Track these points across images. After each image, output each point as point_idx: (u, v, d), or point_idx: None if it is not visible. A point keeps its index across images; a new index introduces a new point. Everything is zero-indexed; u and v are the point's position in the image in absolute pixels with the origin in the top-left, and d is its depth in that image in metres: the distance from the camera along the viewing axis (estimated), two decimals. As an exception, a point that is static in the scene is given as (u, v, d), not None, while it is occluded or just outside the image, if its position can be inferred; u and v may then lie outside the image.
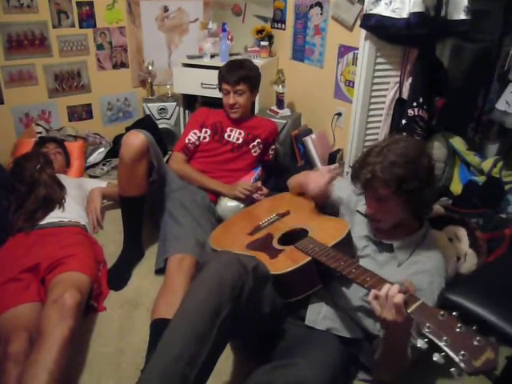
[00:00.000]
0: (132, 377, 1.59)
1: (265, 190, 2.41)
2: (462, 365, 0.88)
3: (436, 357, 0.93)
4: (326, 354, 1.34)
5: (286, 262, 1.47)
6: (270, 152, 2.69)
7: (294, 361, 1.28)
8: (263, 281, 1.40)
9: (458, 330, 0.95)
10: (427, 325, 0.98)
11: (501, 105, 2.45)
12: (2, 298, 1.70)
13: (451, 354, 0.91)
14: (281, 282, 1.45)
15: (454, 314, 1.00)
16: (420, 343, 0.98)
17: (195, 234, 2.11)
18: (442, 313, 0.99)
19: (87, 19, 3.21)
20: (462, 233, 2.01)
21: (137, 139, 2.01)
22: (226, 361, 1.69)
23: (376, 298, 1.15)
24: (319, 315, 1.50)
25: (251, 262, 1.37)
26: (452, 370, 0.90)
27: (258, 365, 1.37)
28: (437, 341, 0.94)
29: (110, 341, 1.79)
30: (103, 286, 2.03)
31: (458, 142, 2.67)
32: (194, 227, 2.15)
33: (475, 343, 0.91)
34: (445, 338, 0.93)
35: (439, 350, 0.94)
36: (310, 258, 1.42)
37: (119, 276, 2.12)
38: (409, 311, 1.06)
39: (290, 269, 1.42)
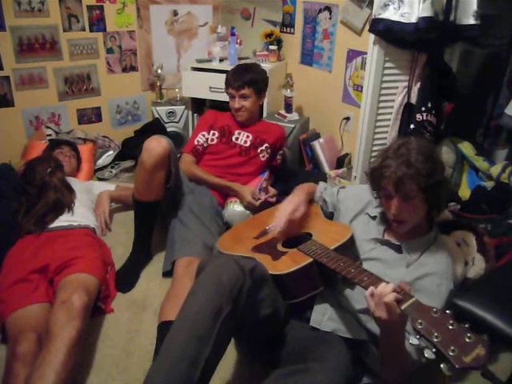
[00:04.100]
0: (139, 379, 1.59)
1: (272, 191, 2.43)
2: (452, 360, 0.90)
3: (427, 353, 0.95)
4: (339, 358, 1.35)
5: (288, 263, 1.49)
6: (278, 157, 2.69)
7: (308, 366, 1.29)
8: (262, 281, 1.41)
9: (450, 326, 0.96)
10: (419, 321, 0.99)
11: (510, 110, 2.43)
12: (10, 298, 1.71)
13: (442, 349, 0.92)
14: (283, 282, 1.47)
15: (447, 311, 1.01)
16: (412, 340, 1.00)
17: (203, 237, 2.12)
18: (434, 310, 1.01)
19: (97, 23, 3.24)
20: (470, 237, 2.00)
21: (159, 146, 2.00)
22: (230, 362, 1.70)
23: (372, 295, 1.17)
24: (324, 316, 1.50)
25: (248, 264, 1.38)
26: (442, 365, 0.92)
27: (263, 366, 1.37)
28: (428, 336, 0.95)
29: (118, 343, 1.80)
30: (111, 288, 2.04)
31: (466, 147, 2.66)
32: (201, 230, 2.16)
33: (466, 340, 0.92)
34: (436, 334, 0.95)
35: (432, 347, 0.95)
36: (311, 260, 1.44)
37: (127, 278, 2.13)
38: (402, 308, 1.07)
39: (291, 269, 1.44)
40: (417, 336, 0.99)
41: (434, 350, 0.94)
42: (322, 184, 1.96)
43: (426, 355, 0.95)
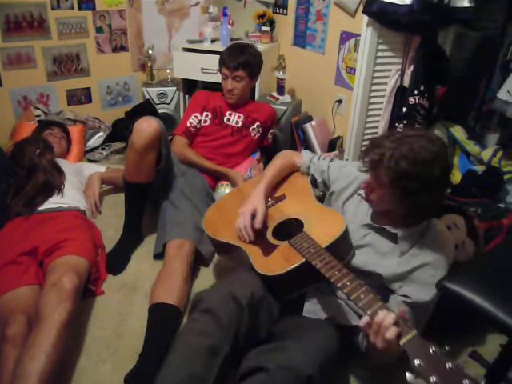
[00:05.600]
0: (129, 361, 1.59)
1: (261, 165, 2.46)
2: None
3: (409, 378, 0.94)
4: (320, 337, 1.35)
5: (280, 263, 1.44)
6: (269, 136, 2.69)
7: (285, 343, 1.29)
8: (258, 308, 1.40)
9: (447, 366, 0.94)
10: (418, 362, 0.96)
11: (502, 94, 2.43)
12: (0, 281, 1.70)
13: None
14: (275, 281, 1.44)
15: (445, 347, 0.98)
16: (408, 376, 0.97)
17: (194, 219, 2.11)
18: (433, 348, 0.98)
19: (86, 1, 3.17)
20: (461, 221, 2.01)
21: (149, 127, 1.98)
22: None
23: (369, 326, 1.12)
24: (317, 305, 1.52)
25: (245, 297, 1.37)
26: None
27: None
28: (426, 378, 0.93)
29: (108, 325, 1.80)
30: (102, 270, 2.03)
31: (458, 131, 2.67)
32: (192, 213, 2.15)
33: (464, 382, 0.91)
34: (434, 378, 0.92)
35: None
36: (303, 260, 1.39)
37: (118, 260, 2.13)
38: (401, 343, 1.04)
39: (284, 271, 1.40)
40: (413, 374, 0.96)
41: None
42: (306, 155, 1.88)
43: (407, 379, 0.93)
